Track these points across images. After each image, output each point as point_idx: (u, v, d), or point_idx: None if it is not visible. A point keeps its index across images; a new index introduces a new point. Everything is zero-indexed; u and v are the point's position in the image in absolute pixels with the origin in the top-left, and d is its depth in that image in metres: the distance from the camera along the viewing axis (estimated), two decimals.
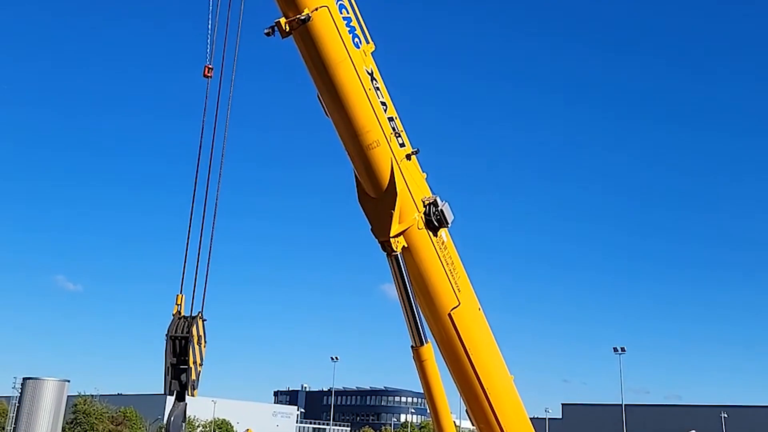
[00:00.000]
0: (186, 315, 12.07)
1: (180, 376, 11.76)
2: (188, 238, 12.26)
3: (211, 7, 12.00)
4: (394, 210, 13.05)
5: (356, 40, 12.72)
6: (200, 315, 12.02)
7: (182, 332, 11.82)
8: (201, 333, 11.92)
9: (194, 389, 11.74)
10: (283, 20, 12.23)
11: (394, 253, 13.34)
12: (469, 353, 14.38)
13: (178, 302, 12.16)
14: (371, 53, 13.00)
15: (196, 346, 11.81)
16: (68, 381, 34.96)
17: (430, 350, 14.08)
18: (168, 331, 11.90)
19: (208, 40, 12.06)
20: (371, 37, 12.99)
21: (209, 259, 12.20)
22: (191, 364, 11.71)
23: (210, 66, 12.14)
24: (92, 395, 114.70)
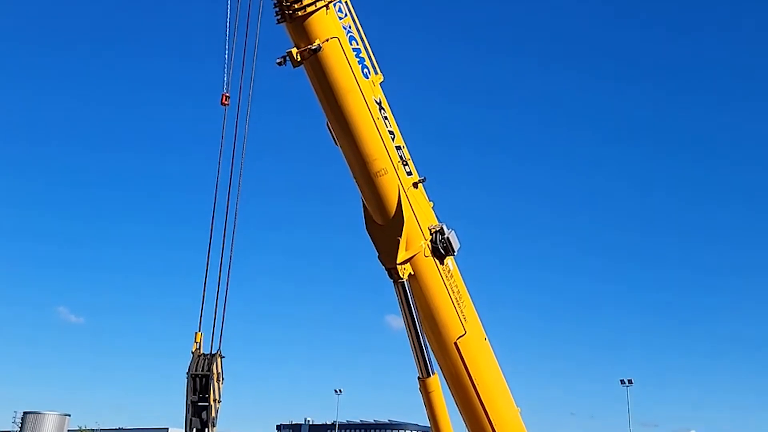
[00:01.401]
0: (206, 353, 12.17)
1: (200, 414, 11.85)
2: (206, 277, 12.38)
3: (227, 38, 12.31)
4: (401, 237, 13.16)
5: (365, 70, 12.97)
6: (219, 353, 12.13)
7: (203, 370, 11.93)
8: (220, 370, 12.06)
9: (213, 426, 11.87)
10: (294, 50, 12.51)
11: (400, 281, 13.41)
12: (476, 384, 14.34)
13: (197, 340, 12.28)
14: (380, 84, 13.25)
15: (216, 384, 11.93)
16: (69, 415, 34.83)
17: (437, 382, 14.05)
18: (189, 369, 12.00)
19: (225, 69, 12.34)
20: (380, 68, 13.25)
21: (226, 298, 12.33)
22: (212, 402, 11.81)
23: (227, 94, 12.39)
24: (93, 429, 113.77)
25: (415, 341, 13.77)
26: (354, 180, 13.42)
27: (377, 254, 13.66)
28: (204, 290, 12.39)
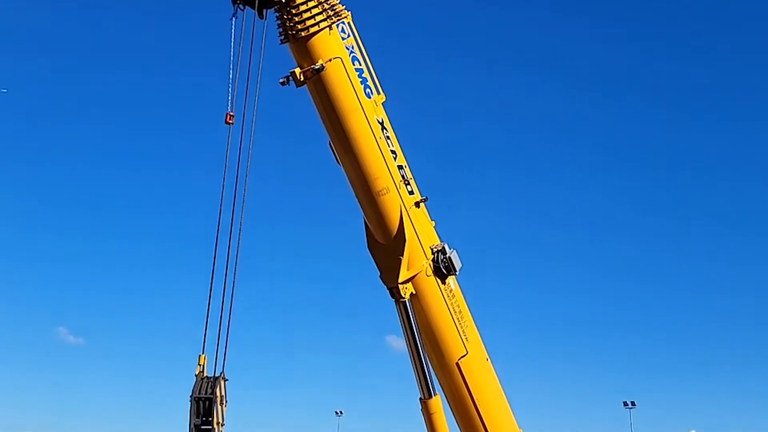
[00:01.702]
0: (209, 375, 12.10)
1: None
2: (209, 300, 12.30)
3: (232, 58, 12.41)
4: (402, 256, 13.17)
5: (368, 90, 13.08)
6: (222, 375, 12.07)
7: (206, 393, 11.87)
8: (223, 393, 12.00)
9: None
10: (297, 70, 12.63)
11: (402, 300, 13.39)
12: (477, 404, 14.24)
13: (201, 363, 12.22)
14: (382, 103, 13.35)
15: (219, 407, 11.87)
16: None
17: (439, 403, 13.96)
18: (192, 392, 11.95)
19: (229, 89, 12.42)
20: (382, 88, 13.36)
21: (229, 321, 12.25)
22: (215, 425, 11.75)
23: (231, 113, 12.46)
24: None
25: (417, 361, 13.71)
26: (356, 199, 13.47)
27: (379, 273, 13.66)
28: (207, 313, 12.33)
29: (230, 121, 12.46)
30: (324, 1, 12.56)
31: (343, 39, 12.77)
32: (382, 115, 13.28)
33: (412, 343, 13.62)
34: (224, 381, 12.08)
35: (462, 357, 14.00)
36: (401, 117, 14.13)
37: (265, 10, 12.52)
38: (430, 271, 13.59)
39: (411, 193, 13.47)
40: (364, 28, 13.20)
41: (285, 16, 12.47)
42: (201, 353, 12.25)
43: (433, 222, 14.03)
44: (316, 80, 12.59)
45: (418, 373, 13.82)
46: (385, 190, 13.06)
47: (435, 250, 13.69)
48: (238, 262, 12.38)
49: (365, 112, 12.88)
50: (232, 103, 12.44)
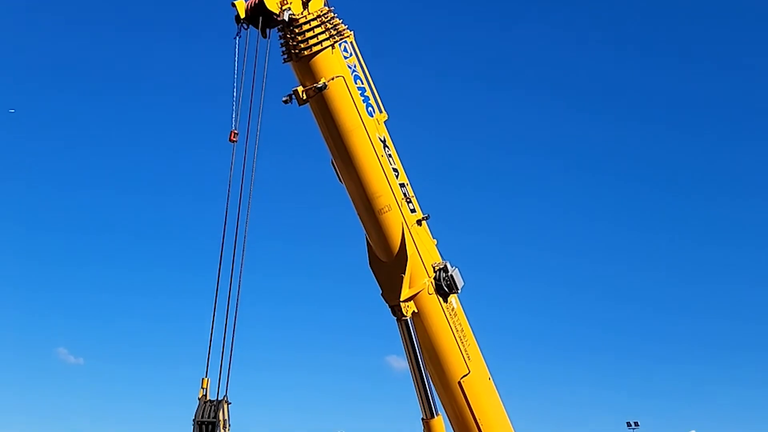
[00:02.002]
0: (212, 399, 12.07)
1: None
2: (212, 323, 12.31)
3: (235, 76, 12.53)
4: (404, 274, 13.17)
5: (370, 108, 13.17)
6: (225, 399, 12.05)
7: (209, 417, 11.84)
8: (226, 417, 11.96)
9: None
10: (300, 89, 12.73)
11: (404, 318, 13.37)
12: (480, 424, 14.15)
13: (204, 386, 12.18)
14: (384, 122, 13.43)
15: (222, 430, 11.82)
16: None
17: (441, 423, 13.88)
18: (195, 415, 11.92)
19: (233, 107, 12.52)
20: (384, 107, 13.44)
21: (233, 343, 12.24)
22: None
23: (235, 131, 12.55)
24: None
25: (419, 381, 13.65)
26: (358, 217, 13.50)
27: (381, 291, 13.65)
28: (211, 336, 12.28)
29: (234, 139, 12.54)
30: (326, 21, 12.70)
31: (345, 58, 12.88)
32: (384, 134, 13.36)
33: (414, 362, 13.57)
34: (227, 404, 12.04)
35: (464, 376, 13.93)
36: (403, 136, 14.20)
37: (268, 30, 12.66)
38: (432, 290, 13.58)
39: (413, 211, 13.50)
40: (366, 48, 13.34)
41: (288, 36, 12.59)
42: (204, 376, 12.22)
43: (435, 240, 14.05)
44: (319, 99, 12.68)
45: (420, 393, 13.75)
46: (387, 208, 13.10)
47: (437, 268, 13.69)
48: (241, 283, 12.41)
49: (367, 131, 12.96)
50: (236, 121, 12.54)
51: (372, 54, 13.59)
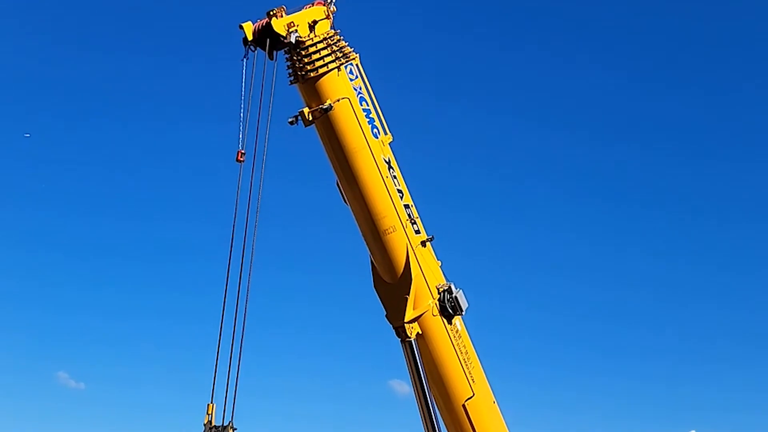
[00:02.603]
0: (217, 425, 12.05)
1: None
2: (218, 347, 12.30)
3: (243, 97, 12.67)
4: (408, 295, 13.17)
5: (375, 130, 13.27)
6: (231, 425, 12.03)
7: None
8: None
9: None
10: (306, 110, 12.86)
11: (408, 339, 13.34)
12: None
13: (209, 412, 12.18)
14: (389, 144, 13.53)
15: None
16: None
17: None
18: None
19: (240, 128, 12.65)
20: (389, 129, 13.55)
21: (239, 368, 12.21)
22: None
23: (242, 151, 12.67)
24: None
25: (423, 403, 13.58)
26: (363, 238, 13.54)
27: (385, 313, 13.64)
28: (216, 361, 12.27)
29: (241, 159, 12.66)
30: (333, 44, 12.86)
31: (351, 80, 13.02)
32: (389, 155, 13.46)
33: (419, 385, 13.51)
34: (233, 430, 12.03)
35: (469, 399, 13.87)
36: (408, 158, 14.29)
37: (275, 52, 12.81)
38: (436, 311, 13.58)
39: (417, 232, 13.54)
40: (372, 71, 13.49)
41: (295, 58, 12.75)
42: (210, 402, 12.20)
43: (440, 261, 14.07)
44: (324, 120, 12.80)
45: (424, 416, 13.67)
46: (391, 229, 13.15)
47: (441, 289, 13.69)
48: (248, 306, 12.43)
49: (372, 151, 13.06)
50: (242, 141, 12.66)
51: (377, 77, 13.74)
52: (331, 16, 13.04)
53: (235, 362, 12.15)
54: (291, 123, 13.05)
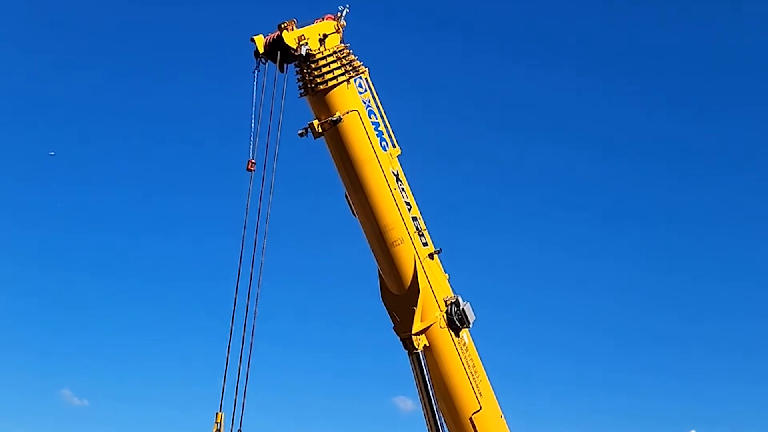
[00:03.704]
0: None
1: None
2: (227, 356, 12.46)
3: (254, 109, 12.84)
4: (416, 307, 13.21)
5: (383, 143, 13.40)
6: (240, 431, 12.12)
7: None
8: None
9: None
10: (316, 122, 13.01)
11: (415, 351, 13.37)
12: None
13: (218, 421, 12.30)
14: (397, 156, 13.64)
15: None
16: None
17: None
18: None
19: (251, 139, 12.83)
20: (398, 143, 13.66)
21: (247, 377, 12.37)
22: None
23: (253, 160, 12.84)
24: None
25: (430, 416, 13.57)
26: (371, 250, 13.61)
27: (393, 325, 13.67)
28: (225, 370, 12.40)
29: (252, 168, 12.83)
30: (342, 57, 13.03)
31: (360, 93, 13.18)
32: (398, 168, 13.56)
33: (426, 398, 13.50)
34: None
35: (476, 412, 13.84)
36: (417, 171, 14.40)
37: (286, 65, 13.00)
38: (443, 323, 13.59)
39: (425, 244, 13.60)
40: (382, 85, 13.66)
41: (305, 71, 12.93)
42: (218, 411, 12.28)
43: (447, 274, 14.11)
44: (333, 132, 12.94)
45: (431, 429, 13.64)
46: (399, 241, 13.22)
47: (448, 302, 13.72)
48: (257, 316, 12.56)
49: (380, 164, 13.17)
50: (253, 152, 12.82)
51: (387, 91, 13.90)
52: (341, 30, 13.23)
53: (244, 370, 12.28)
54: (301, 135, 13.19)
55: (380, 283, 13.75)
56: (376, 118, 13.38)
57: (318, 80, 12.85)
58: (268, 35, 12.89)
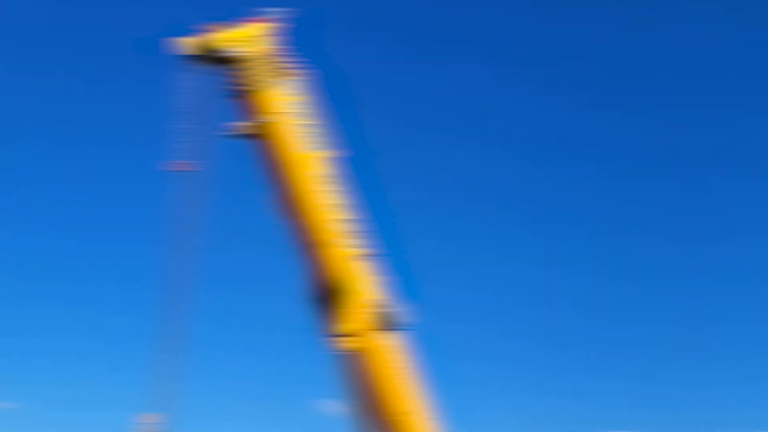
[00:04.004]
0: None
1: None
2: (159, 356, 12.68)
3: (183, 111, 12.80)
4: (344, 308, 13.20)
5: (314, 145, 13.43)
6: None
7: None
8: None
9: None
10: (244, 123, 12.99)
11: (342, 352, 13.33)
12: None
13: (148, 421, 12.52)
14: (337, 159, 13.59)
15: None
16: None
17: None
18: None
19: (178, 139, 12.79)
20: (336, 146, 13.60)
21: (179, 379, 12.63)
22: None
23: (179, 161, 12.90)
24: None
25: (357, 418, 13.58)
26: (299, 251, 13.57)
27: (320, 327, 13.63)
28: (155, 374, 12.57)
29: (178, 169, 12.77)
30: (273, 61, 13.00)
31: (290, 96, 13.18)
32: (331, 170, 13.54)
33: (352, 399, 13.52)
34: None
35: (403, 413, 13.88)
36: (397, 185, 14.41)
37: (215, 67, 12.89)
38: (372, 325, 13.60)
39: (357, 246, 13.58)
40: (372, 93, 13.72)
41: (234, 73, 12.83)
42: (146, 412, 12.39)
43: (384, 277, 14.07)
44: (261, 133, 12.91)
45: (357, 430, 13.66)
46: (325, 242, 13.21)
47: (378, 304, 13.72)
48: (186, 320, 12.47)
49: (308, 165, 13.16)
50: (180, 153, 12.71)
51: (372, 102, 13.89)
52: (275, 33, 13.20)
53: (172, 373, 12.50)
54: (228, 136, 13.14)
55: (308, 284, 13.70)
56: (309, 121, 13.37)
57: (248, 83, 12.80)
58: (195, 36, 12.78)
